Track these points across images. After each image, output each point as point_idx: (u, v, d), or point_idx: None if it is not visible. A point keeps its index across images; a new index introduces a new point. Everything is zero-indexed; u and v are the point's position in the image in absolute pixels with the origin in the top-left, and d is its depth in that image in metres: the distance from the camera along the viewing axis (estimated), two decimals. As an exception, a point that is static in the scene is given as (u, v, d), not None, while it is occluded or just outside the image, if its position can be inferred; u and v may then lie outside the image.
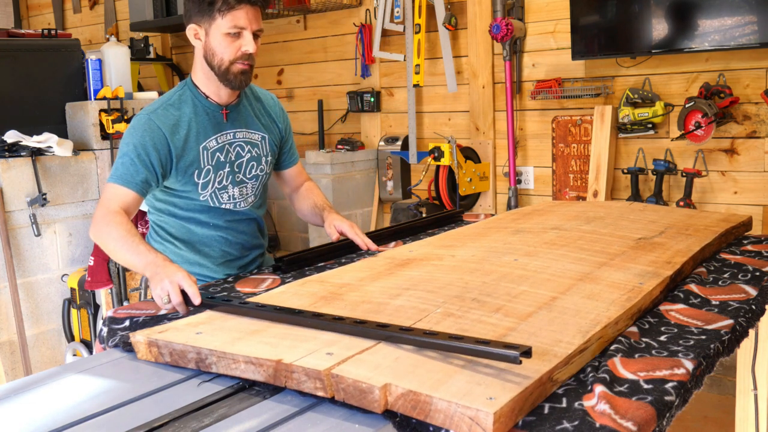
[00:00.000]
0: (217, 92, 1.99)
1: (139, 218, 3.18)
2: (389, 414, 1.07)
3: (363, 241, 2.07)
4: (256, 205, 2.14)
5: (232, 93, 2.02)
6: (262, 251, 2.22)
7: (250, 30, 1.90)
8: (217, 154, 2.00)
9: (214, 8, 1.86)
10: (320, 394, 1.11)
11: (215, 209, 2.05)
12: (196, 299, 1.52)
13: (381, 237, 2.31)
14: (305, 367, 1.12)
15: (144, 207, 2.13)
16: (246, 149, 2.06)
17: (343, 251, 2.14)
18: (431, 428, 1.03)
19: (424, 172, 3.75)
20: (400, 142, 4.19)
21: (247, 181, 2.08)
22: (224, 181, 2.03)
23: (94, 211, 1.88)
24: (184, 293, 1.55)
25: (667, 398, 1.09)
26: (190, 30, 1.94)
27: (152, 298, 1.63)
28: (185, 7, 1.96)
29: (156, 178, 1.92)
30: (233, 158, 2.03)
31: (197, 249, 2.08)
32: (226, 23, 1.87)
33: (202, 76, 1.98)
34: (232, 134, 2.03)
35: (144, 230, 3.19)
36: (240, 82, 1.94)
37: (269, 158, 2.13)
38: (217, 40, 1.89)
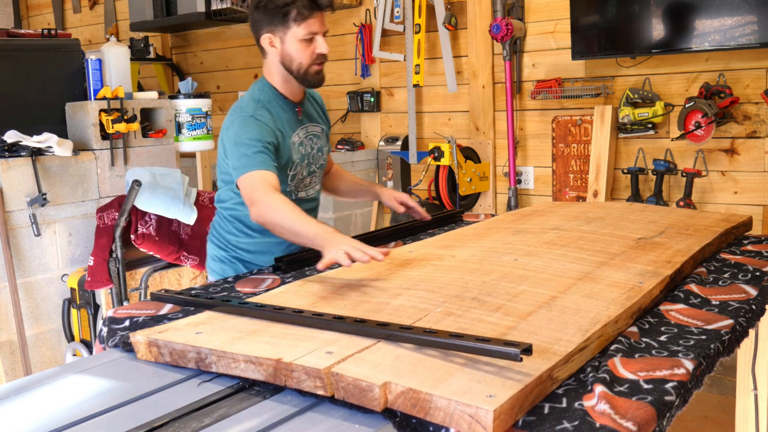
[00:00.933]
0: (292, 92, 2.14)
1: (139, 218, 3.18)
2: (389, 414, 1.07)
3: (422, 213, 2.31)
4: (319, 191, 2.31)
5: (302, 92, 2.17)
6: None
7: (321, 33, 2.06)
8: (300, 147, 2.15)
9: (289, 18, 2.01)
10: (320, 392, 1.11)
11: (294, 199, 2.15)
12: (380, 256, 1.63)
13: (381, 237, 2.31)
14: (305, 366, 1.12)
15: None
16: (314, 141, 2.21)
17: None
18: (431, 428, 1.03)
19: (424, 172, 3.75)
20: (400, 142, 4.19)
21: (317, 170, 2.24)
22: (304, 172, 2.18)
23: (250, 195, 1.93)
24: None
25: (667, 398, 1.09)
26: (265, 39, 2.06)
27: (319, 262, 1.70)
28: (254, 18, 2.08)
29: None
30: (309, 150, 2.19)
31: (270, 236, 2.15)
32: (302, 31, 2.02)
33: (279, 79, 2.11)
34: (305, 129, 2.18)
35: (144, 230, 3.19)
36: (319, 81, 2.10)
37: (327, 147, 2.29)
38: (294, 46, 2.03)
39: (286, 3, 1.99)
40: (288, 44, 2.03)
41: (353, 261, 1.64)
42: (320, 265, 1.67)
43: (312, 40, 2.03)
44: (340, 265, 1.68)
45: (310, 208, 2.25)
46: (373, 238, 2.29)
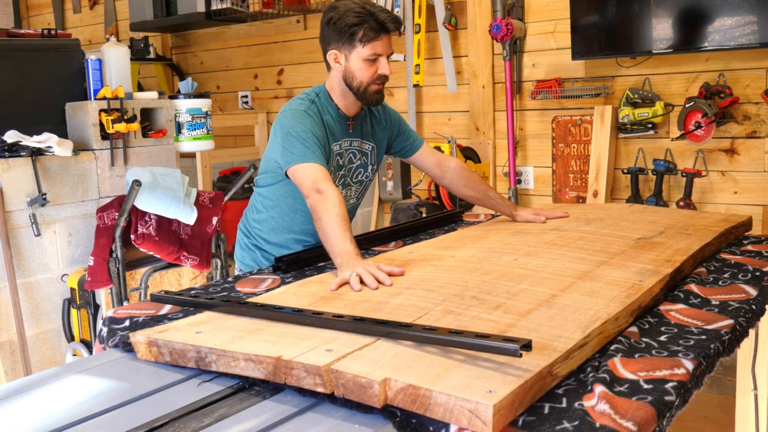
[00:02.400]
0: (347, 106, 2.17)
1: (139, 218, 3.18)
2: (389, 414, 1.07)
3: (556, 213, 2.33)
4: (353, 207, 2.33)
5: (359, 107, 2.20)
6: None
7: (386, 54, 2.08)
8: (338, 157, 2.18)
9: (356, 38, 2.05)
10: (320, 389, 1.11)
11: None
12: (388, 281, 1.62)
13: (381, 237, 2.31)
14: (305, 363, 1.13)
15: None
16: (357, 156, 2.24)
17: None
18: (431, 428, 1.03)
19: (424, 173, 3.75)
20: (400, 142, 4.18)
21: (352, 184, 2.27)
22: (336, 181, 2.18)
23: (312, 184, 1.94)
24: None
25: (667, 398, 1.09)
26: (331, 55, 2.11)
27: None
28: (324, 33, 2.12)
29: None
30: (346, 162, 2.21)
31: (291, 232, 2.25)
32: (366, 51, 2.05)
33: (338, 92, 2.16)
34: (350, 142, 2.21)
35: (144, 230, 3.19)
36: (377, 100, 2.14)
37: (375, 166, 2.31)
38: (357, 65, 2.07)
39: (356, 23, 2.03)
40: (352, 62, 2.08)
41: (363, 284, 1.64)
42: (332, 286, 1.66)
43: (375, 61, 2.07)
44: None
45: None
46: (373, 238, 2.29)
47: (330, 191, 1.91)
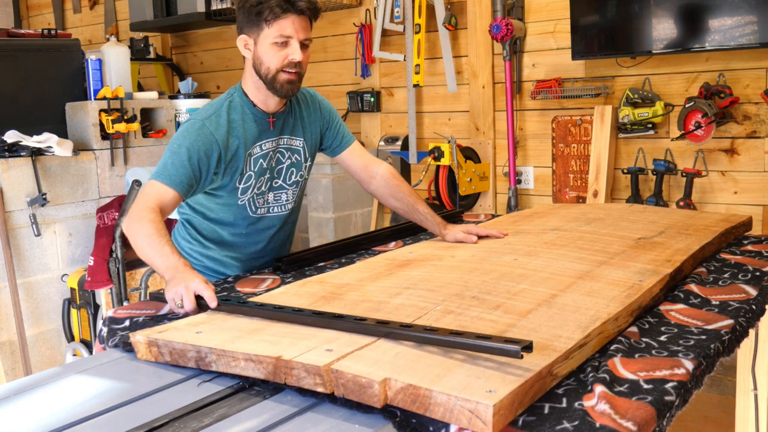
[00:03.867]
0: (264, 101, 2.01)
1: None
2: (389, 414, 1.07)
3: (498, 234, 2.09)
4: (291, 210, 2.15)
5: (280, 102, 2.03)
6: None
7: (297, 39, 1.91)
8: (261, 160, 2.02)
9: (261, 18, 1.89)
10: (320, 389, 1.11)
11: (248, 215, 2.06)
12: (213, 303, 1.52)
13: (381, 237, 2.31)
14: (305, 363, 1.13)
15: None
16: (286, 156, 2.08)
17: (343, 251, 2.14)
18: (431, 428, 1.03)
19: (424, 172, 3.75)
20: (400, 142, 4.18)
21: (287, 187, 2.10)
22: (263, 187, 2.04)
23: (132, 205, 1.88)
24: (199, 298, 1.55)
25: (667, 398, 1.09)
26: (240, 41, 1.97)
27: (164, 297, 1.64)
28: (237, 19, 1.99)
29: (200, 183, 1.93)
30: (274, 164, 2.05)
31: (225, 249, 2.10)
32: (273, 32, 1.89)
33: (251, 86, 2.00)
34: (275, 141, 2.04)
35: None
36: (287, 90, 1.96)
37: (309, 163, 2.14)
38: (264, 49, 1.92)
39: (260, 2, 1.88)
40: (260, 46, 1.92)
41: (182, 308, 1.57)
42: (164, 310, 1.62)
43: (285, 45, 1.91)
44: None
45: (272, 225, 2.12)
46: (373, 238, 2.29)
47: (142, 213, 1.79)
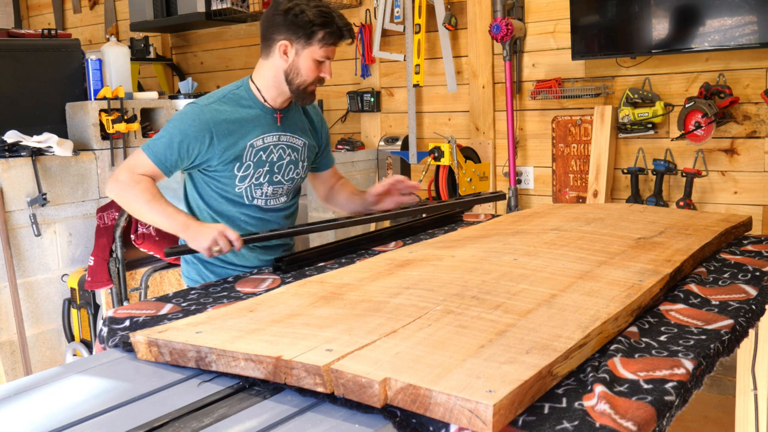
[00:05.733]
0: (274, 98, 2.11)
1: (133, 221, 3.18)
2: (389, 414, 1.07)
3: (411, 184, 2.26)
4: (286, 205, 2.22)
5: (287, 99, 2.12)
6: (287, 246, 2.28)
7: (332, 59, 2.07)
8: (261, 153, 2.09)
9: (315, 37, 2.00)
10: (320, 389, 1.11)
11: (247, 203, 2.13)
12: (238, 243, 1.83)
13: (381, 237, 2.31)
14: (305, 363, 1.12)
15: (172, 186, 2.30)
16: (287, 152, 2.15)
17: (343, 251, 2.14)
18: (431, 428, 1.03)
19: (424, 172, 3.75)
20: (400, 142, 4.19)
21: (284, 182, 2.17)
22: (261, 179, 2.12)
23: (116, 171, 2.00)
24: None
25: (667, 398, 1.09)
26: (280, 46, 2.03)
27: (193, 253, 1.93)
28: (275, 20, 2.03)
29: (185, 165, 2.05)
30: (274, 159, 2.13)
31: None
32: (321, 53, 2.02)
33: (269, 83, 2.09)
34: (278, 137, 2.13)
35: (144, 230, 3.18)
36: (310, 101, 2.13)
37: (306, 163, 2.23)
38: (306, 63, 2.03)
39: (319, 24, 1.98)
40: (302, 59, 2.02)
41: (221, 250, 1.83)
42: (207, 254, 1.85)
43: (322, 63, 2.05)
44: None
45: (276, 219, 2.19)
46: (373, 238, 2.29)
47: (132, 179, 1.95)
